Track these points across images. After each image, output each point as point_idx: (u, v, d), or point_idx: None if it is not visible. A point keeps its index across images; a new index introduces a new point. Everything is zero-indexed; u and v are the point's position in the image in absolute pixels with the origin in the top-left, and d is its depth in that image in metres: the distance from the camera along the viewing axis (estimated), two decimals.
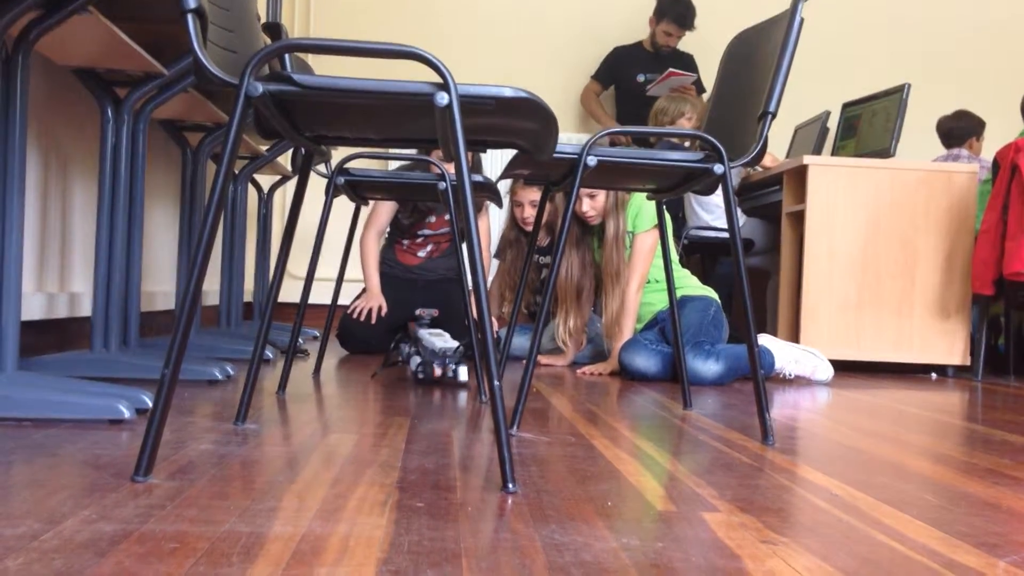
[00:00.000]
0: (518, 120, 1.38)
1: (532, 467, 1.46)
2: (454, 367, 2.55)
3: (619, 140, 4.57)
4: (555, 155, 1.77)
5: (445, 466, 1.44)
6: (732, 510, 1.22)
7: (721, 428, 2.00)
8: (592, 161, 1.79)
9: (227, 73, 1.31)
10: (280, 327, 4.25)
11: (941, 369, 3.79)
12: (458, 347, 2.59)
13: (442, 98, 1.23)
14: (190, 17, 1.26)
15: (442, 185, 2.40)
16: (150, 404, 1.82)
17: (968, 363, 3.76)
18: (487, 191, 2.56)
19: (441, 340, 2.68)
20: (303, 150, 1.87)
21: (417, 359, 2.59)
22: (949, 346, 3.75)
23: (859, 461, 1.66)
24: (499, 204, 2.81)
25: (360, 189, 2.50)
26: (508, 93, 1.27)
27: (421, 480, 1.32)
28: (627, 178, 2.10)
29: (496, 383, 1.28)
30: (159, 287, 3.63)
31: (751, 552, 1.03)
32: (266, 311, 1.77)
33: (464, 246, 2.99)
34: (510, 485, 1.27)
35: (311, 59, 4.73)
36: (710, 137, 1.80)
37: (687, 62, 5.05)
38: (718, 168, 1.80)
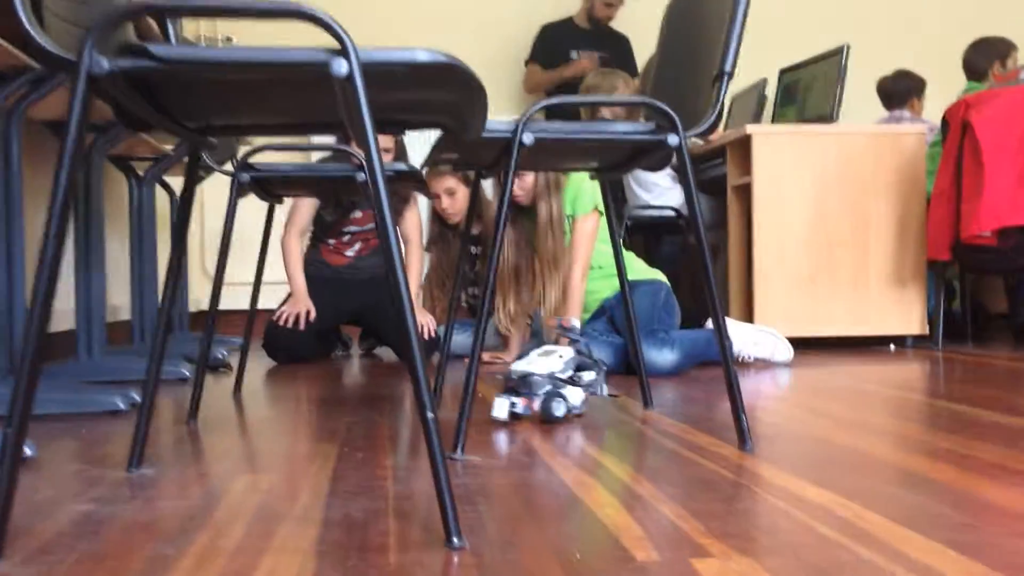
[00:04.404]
0: (438, 92, 1.14)
1: (481, 505, 1.23)
2: (542, 400, 1.89)
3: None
4: (485, 134, 1.53)
5: (376, 513, 1.19)
6: (726, 552, 1.00)
7: (689, 431, 1.79)
8: (529, 139, 1.56)
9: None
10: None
11: (900, 340, 3.65)
12: (557, 374, 1.95)
13: (340, 66, 0.98)
14: None
15: (361, 176, 2.14)
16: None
17: (926, 332, 3.62)
18: (412, 180, 2.30)
19: (548, 361, 1.98)
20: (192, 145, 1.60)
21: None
22: (906, 316, 3.60)
23: (850, 465, 1.46)
24: (427, 194, 2.56)
25: (270, 186, 2.23)
26: (423, 57, 1.03)
27: (345, 538, 1.08)
28: (569, 157, 1.87)
29: (430, 415, 1.04)
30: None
31: None
32: (159, 327, 1.50)
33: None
34: (454, 540, 1.04)
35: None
36: (662, 104, 1.57)
37: (623, 43, 4.83)
38: (672, 139, 1.58)
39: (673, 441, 1.68)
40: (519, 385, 1.93)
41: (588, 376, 2.02)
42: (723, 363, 1.64)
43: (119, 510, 1.23)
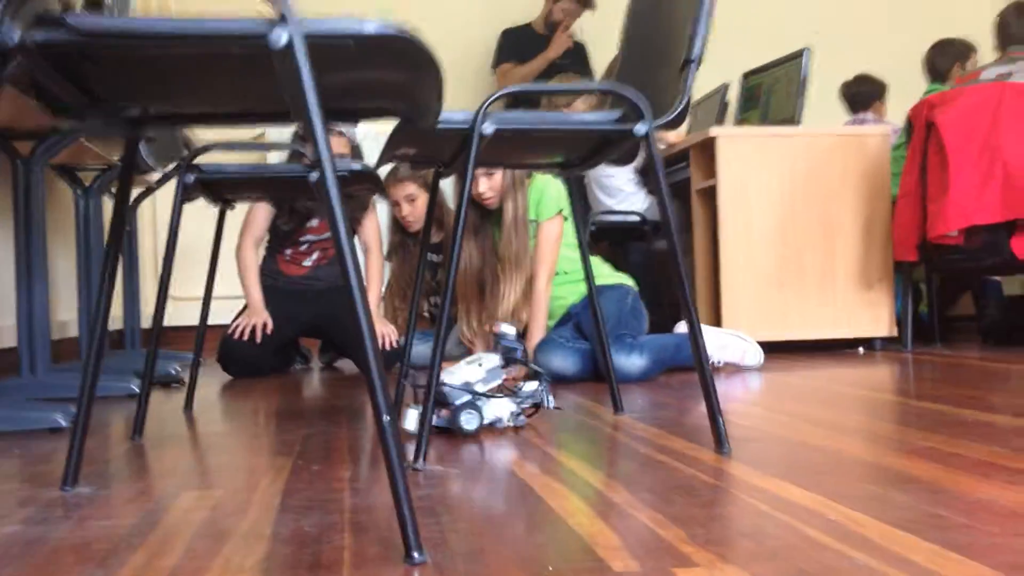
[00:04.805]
0: (389, 70, 1.06)
1: (443, 516, 1.14)
2: (457, 412, 1.75)
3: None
4: (441, 125, 1.45)
5: (331, 528, 1.10)
6: (711, 561, 0.92)
7: (663, 436, 1.71)
8: (489, 129, 1.47)
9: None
10: (167, 354, 3.81)
11: (868, 342, 3.60)
12: (473, 384, 1.81)
13: (279, 36, 0.90)
14: None
15: (314, 176, 2.04)
16: None
17: (895, 334, 3.58)
18: (367, 181, 2.20)
19: (467, 370, 1.83)
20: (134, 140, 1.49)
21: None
22: (875, 318, 3.56)
23: (834, 467, 1.39)
24: (383, 195, 2.46)
25: (218, 189, 2.12)
26: (372, 28, 0.94)
27: (295, 555, 0.99)
28: (532, 150, 1.79)
29: (385, 418, 0.95)
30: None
31: None
32: (94, 340, 1.40)
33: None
34: (415, 554, 0.95)
35: None
36: (628, 91, 1.50)
37: (580, 50, 4.77)
38: (639, 128, 1.50)
39: (647, 446, 1.61)
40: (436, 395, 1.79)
41: (530, 386, 1.90)
42: (697, 365, 1.57)
43: (49, 531, 1.13)
